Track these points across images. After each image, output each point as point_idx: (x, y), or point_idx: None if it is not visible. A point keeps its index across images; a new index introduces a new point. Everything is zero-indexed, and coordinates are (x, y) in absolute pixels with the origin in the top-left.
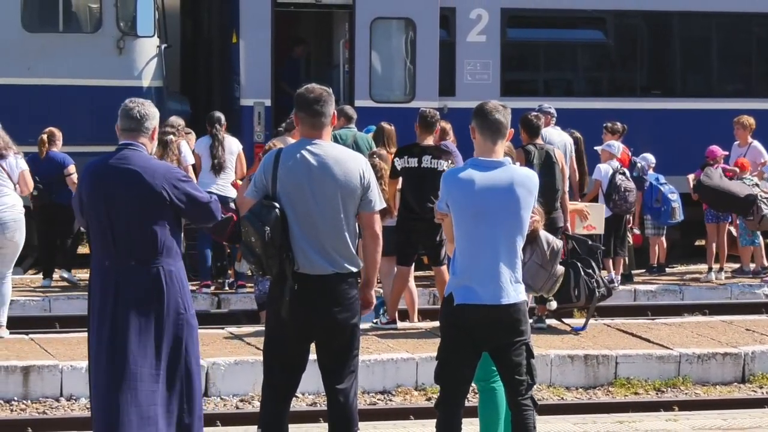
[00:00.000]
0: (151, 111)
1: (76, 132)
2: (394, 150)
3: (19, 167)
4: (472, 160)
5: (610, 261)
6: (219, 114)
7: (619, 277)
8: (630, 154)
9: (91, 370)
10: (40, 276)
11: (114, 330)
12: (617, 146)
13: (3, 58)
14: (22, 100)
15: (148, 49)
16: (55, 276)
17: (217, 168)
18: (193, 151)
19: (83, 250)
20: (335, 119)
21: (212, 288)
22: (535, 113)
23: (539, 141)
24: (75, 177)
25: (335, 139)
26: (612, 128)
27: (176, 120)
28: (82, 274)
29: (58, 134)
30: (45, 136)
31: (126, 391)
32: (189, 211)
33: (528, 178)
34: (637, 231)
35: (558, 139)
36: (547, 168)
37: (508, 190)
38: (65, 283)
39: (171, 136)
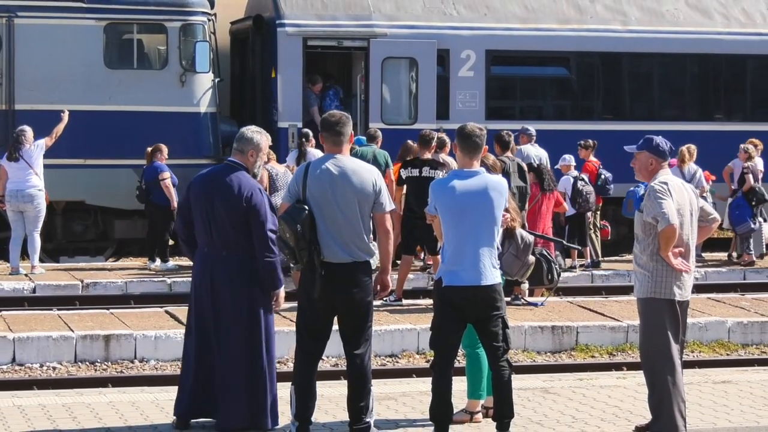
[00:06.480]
0: (257, 138)
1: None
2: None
3: (42, 191)
4: (454, 172)
5: (575, 251)
6: (306, 130)
7: (589, 261)
8: (598, 167)
9: (194, 333)
10: (119, 263)
11: (214, 302)
12: (569, 158)
13: (89, 89)
14: (105, 123)
15: (204, 82)
16: (134, 263)
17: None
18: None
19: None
20: (353, 138)
21: None
22: (506, 131)
23: (510, 154)
24: (168, 182)
25: (361, 156)
26: (585, 144)
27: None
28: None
29: (163, 148)
30: (150, 149)
31: (226, 350)
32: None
33: (499, 183)
34: (604, 225)
35: (534, 153)
36: (520, 176)
37: (483, 193)
38: (139, 269)
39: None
